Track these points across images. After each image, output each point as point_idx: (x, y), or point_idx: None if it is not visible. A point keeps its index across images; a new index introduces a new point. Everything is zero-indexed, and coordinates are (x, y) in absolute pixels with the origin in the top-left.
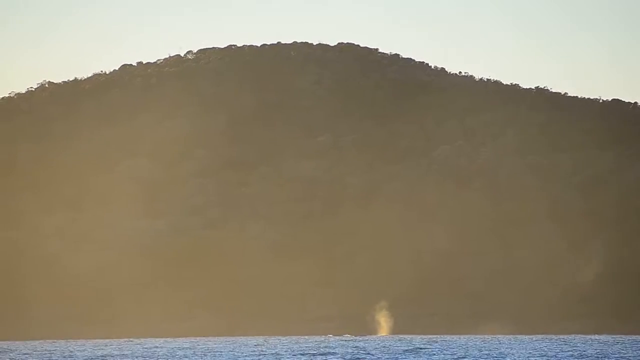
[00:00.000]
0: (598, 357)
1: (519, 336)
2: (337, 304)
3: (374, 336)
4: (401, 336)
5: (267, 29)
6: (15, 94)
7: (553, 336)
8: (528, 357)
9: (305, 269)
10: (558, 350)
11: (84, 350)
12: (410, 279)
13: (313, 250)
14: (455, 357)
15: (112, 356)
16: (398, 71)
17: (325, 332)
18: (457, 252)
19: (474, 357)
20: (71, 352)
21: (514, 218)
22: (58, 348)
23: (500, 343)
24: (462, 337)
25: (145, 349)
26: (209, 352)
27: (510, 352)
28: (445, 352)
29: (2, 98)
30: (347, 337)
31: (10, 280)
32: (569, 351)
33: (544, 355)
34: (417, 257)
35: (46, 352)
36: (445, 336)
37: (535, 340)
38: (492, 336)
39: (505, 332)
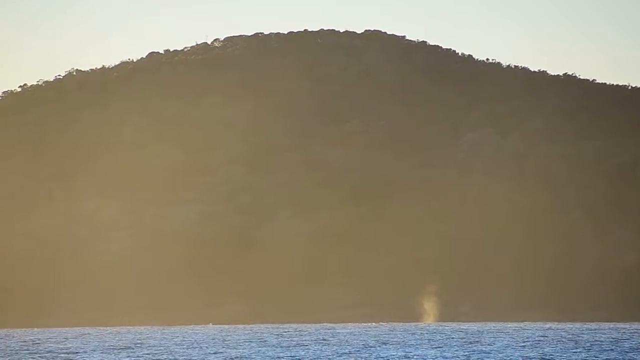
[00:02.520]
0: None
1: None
2: (367, 291)
3: (424, 323)
4: (455, 324)
5: (294, 16)
6: (44, 82)
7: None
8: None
9: (333, 256)
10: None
11: (113, 337)
12: (440, 267)
13: (341, 237)
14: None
15: (137, 343)
16: (425, 58)
17: (355, 319)
18: (484, 240)
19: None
20: (101, 338)
21: (542, 206)
22: (85, 335)
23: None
24: (515, 325)
25: (172, 336)
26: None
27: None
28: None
29: (31, 86)
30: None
31: (38, 268)
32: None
33: None
34: (445, 245)
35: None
36: (497, 324)
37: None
38: (534, 323)
39: (533, 319)
